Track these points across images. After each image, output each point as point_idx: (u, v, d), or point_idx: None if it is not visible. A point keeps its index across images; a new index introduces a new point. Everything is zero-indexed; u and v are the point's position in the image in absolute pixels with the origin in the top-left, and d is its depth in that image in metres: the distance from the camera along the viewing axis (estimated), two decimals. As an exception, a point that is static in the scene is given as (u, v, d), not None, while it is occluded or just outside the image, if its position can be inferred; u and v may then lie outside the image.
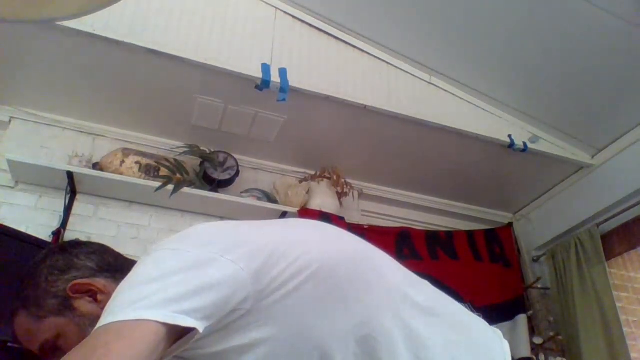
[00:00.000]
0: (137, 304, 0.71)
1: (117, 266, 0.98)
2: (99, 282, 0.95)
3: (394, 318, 0.84)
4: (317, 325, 0.82)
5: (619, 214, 2.61)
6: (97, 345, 0.67)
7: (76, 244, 1.02)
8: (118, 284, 0.86)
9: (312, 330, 0.82)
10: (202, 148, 2.60)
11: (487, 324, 0.97)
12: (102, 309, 0.84)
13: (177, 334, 0.74)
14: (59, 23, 1.95)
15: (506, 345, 0.92)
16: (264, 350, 0.80)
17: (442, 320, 0.89)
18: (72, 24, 1.99)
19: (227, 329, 0.79)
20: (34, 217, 2.29)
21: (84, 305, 0.93)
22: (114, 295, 0.76)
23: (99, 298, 0.93)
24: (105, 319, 0.71)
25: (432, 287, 0.97)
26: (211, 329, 0.77)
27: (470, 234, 3.02)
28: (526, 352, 2.64)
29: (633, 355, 2.40)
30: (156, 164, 2.45)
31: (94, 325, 0.81)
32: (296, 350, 0.81)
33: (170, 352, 0.75)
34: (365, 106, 2.46)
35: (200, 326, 0.73)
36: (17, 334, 0.95)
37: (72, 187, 2.35)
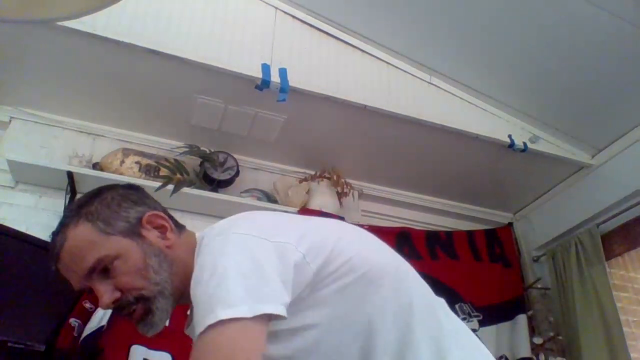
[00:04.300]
0: (249, 298, 0.75)
1: (176, 221, 1.07)
2: (170, 223, 1.02)
3: (423, 327, 0.89)
4: (363, 317, 0.88)
5: (619, 214, 2.61)
6: (236, 351, 0.72)
7: (142, 189, 1.09)
8: (178, 233, 1.00)
9: (357, 320, 0.87)
10: (202, 148, 2.60)
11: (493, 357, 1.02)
12: (168, 247, 0.96)
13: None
14: (59, 23, 1.95)
15: None
16: (311, 336, 0.86)
17: (459, 336, 0.94)
18: (72, 24, 1.99)
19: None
20: (34, 217, 2.29)
21: (152, 236, 0.97)
22: (213, 279, 0.78)
23: (168, 235, 0.99)
24: (220, 310, 0.73)
25: (445, 304, 1.02)
26: None
27: (470, 234, 3.02)
28: (526, 352, 2.64)
29: (633, 355, 2.40)
30: (156, 164, 2.46)
31: (158, 256, 0.93)
32: (340, 340, 0.87)
33: None
34: (365, 106, 2.46)
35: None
36: (68, 246, 0.93)
37: (72, 187, 2.34)
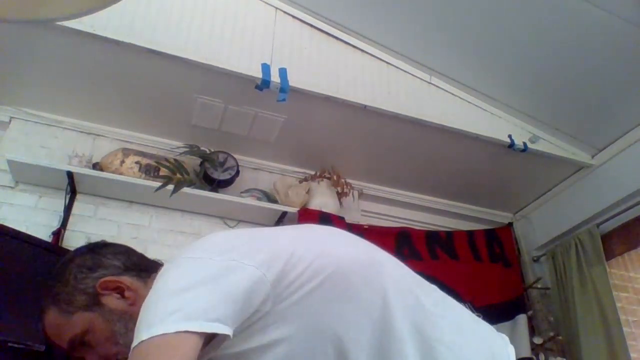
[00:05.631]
0: (174, 315, 0.75)
1: (142, 266, 1.03)
2: (126, 279, 0.99)
3: (404, 319, 0.88)
4: (333, 321, 0.86)
5: (619, 214, 2.61)
6: None
7: (103, 244, 1.07)
8: (143, 282, 0.97)
9: (328, 325, 0.86)
10: (202, 148, 2.60)
11: (493, 329, 1.01)
12: (130, 305, 0.95)
13: (207, 339, 0.79)
14: (59, 23, 1.95)
15: (511, 350, 0.96)
16: (282, 350, 0.85)
17: (449, 322, 0.93)
18: (72, 24, 1.99)
19: (249, 330, 0.83)
20: (34, 217, 2.29)
21: (112, 301, 0.97)
22: (145, 305, 0.80)
23: (127, 295, 0.98)
24: (144, 332, 0.74)
25: (440, 292, 1.01)
26: (235, 331, 0.81)
27: (470, 234, 3.02)
28: (526, 352, 2.64)
29: (633, 355, 2.40)
30: (156, 164, 2.45)
31: (122, 319, 0.93)
32: (312, 348, 0.85)
33: (200, 357, 0.79)
34: (365, 106, 2.46)
35: (231, 332, 0.78)
36: (47, 330, 0.99)
37: (72, 187, 2.35)
